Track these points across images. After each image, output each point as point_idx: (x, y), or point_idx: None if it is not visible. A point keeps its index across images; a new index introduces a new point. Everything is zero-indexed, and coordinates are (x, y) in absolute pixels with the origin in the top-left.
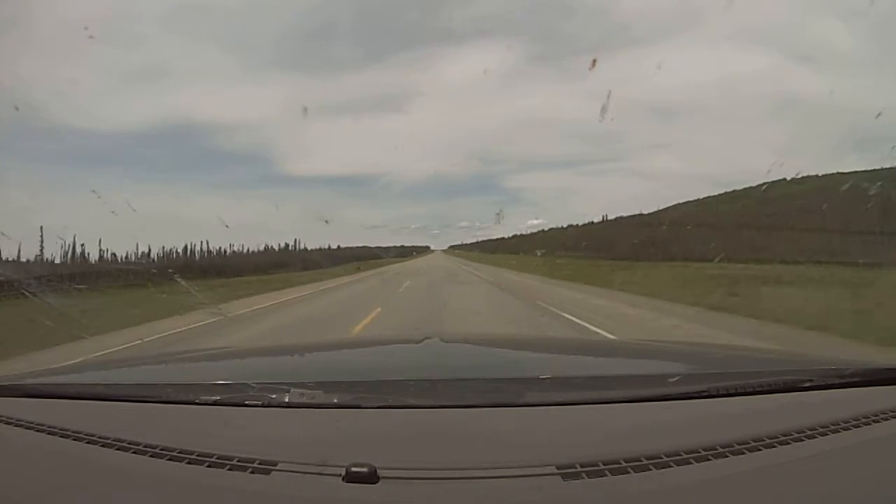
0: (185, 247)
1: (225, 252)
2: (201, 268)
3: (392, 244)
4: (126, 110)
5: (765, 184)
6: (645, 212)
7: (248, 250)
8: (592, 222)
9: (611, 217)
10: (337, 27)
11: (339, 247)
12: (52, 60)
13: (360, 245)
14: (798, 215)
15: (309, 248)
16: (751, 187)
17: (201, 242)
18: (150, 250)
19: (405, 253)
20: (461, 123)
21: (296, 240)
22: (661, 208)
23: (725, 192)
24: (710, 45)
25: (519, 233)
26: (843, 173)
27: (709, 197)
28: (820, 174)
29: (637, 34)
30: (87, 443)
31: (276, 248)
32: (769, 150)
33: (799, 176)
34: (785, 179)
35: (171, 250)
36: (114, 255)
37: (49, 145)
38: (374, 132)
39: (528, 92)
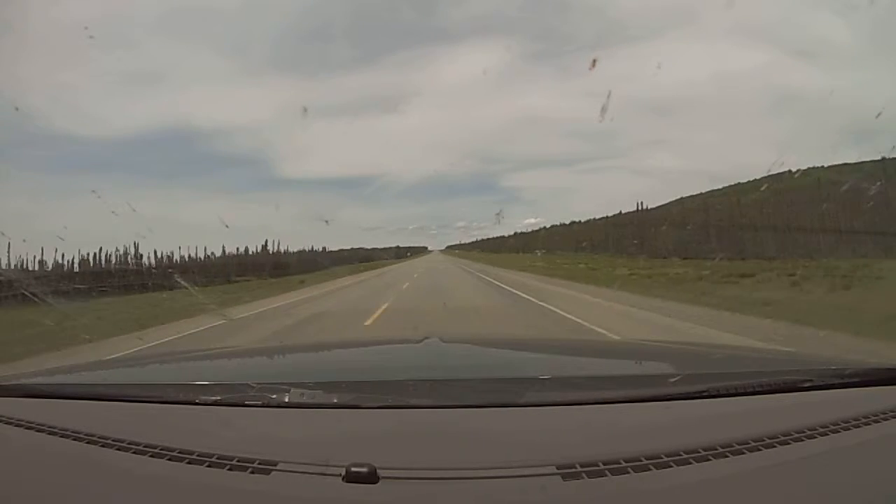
0: (96, 254)
1: (173, 258)
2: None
3: (390, 245)
4: (124, 115)
5: (763, 179)
6: (648, 207)
7: (206, 255)
8: (595, 219)
9: (617, 213)
10: (334, 29)
11: (323, 248)
12: (50, 66)
13: (358, 246)
14: (817, 209)
15: (291, 251)
16: (756, 179)
17: (136, 246)
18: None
19: (400, 254)
20: (459, 123)
21: (267, 241)
22: (663, 203)
23: (729, 186)
24: (708, 41)
25: (518, 231)
26: (859, 163)
27: (714, 190)
28: (826, 165)
29: (635, 31)
30: (87, 443)
31: (250, 251)
32: (767, 146)
33: (803, 168)
34: (789, 171)
35: (85, 256)
36: (98, 258)
37: (46, 151)
38: (372, 133)
39: (525, 91)
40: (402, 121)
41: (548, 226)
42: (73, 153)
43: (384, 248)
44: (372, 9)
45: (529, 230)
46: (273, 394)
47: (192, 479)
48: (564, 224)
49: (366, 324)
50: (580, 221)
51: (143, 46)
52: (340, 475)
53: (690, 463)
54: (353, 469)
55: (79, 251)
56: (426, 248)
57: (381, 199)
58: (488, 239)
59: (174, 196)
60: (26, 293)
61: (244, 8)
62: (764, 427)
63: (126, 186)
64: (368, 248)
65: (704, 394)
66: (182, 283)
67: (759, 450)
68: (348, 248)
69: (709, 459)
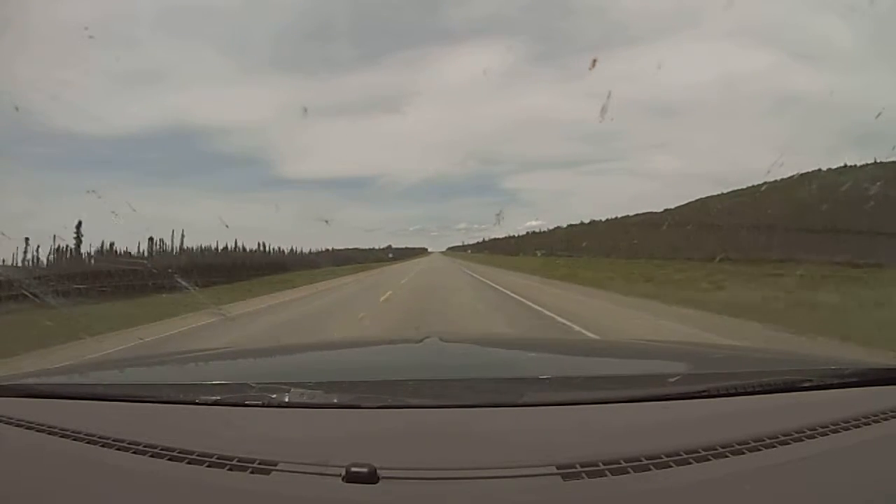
0: None
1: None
2: None
3: (390, 245)
4: (124, 114)
5: (760, 183)
6: (656, 210)
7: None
8: (618, 217)
9: (623, 213)
10: (335, 28)
11: (279, 250)
12: (49, 64)
13: (354, 247)
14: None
15: (265, 250)
16: (779, 180)
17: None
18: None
19: (381, 258)
20: (460, 124)
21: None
22: (679, 204)
23: (750, 187)
24: (710, 43)
25: (530, 231)
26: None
27: (732, 191)
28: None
29: (636, 33)
30: (87, 443)
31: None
32: (770, 148)
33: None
34: (820, 170)
35: None
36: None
37: (46, 149)
38: (373, 133)
39: (527, 92)
40: (403, 121)
41: (564, 225)
42: (73, 151)
43: (370, 249)
44: (373, 8)
45: (545, 230)
46: (273, 394)
47: (192, 479)
48: (583, 223)
49: None
50: (601, 220)
51: (144, 45)
52: (340, 475)
53: (690, 463)
54: (353, 469)
55: (57, 246)
56: (426, 248)
57: (382, 200)
58: (495, 239)
59: (174, 195)
60: (26, 293)
61: (244, 7)
62: (764, 427)
63: (125, 185)
64: (364, 248)
65: (704, 394)
66: (182, 283)
67: (759, 450)
68: (342, 248)
69: (709, 459)
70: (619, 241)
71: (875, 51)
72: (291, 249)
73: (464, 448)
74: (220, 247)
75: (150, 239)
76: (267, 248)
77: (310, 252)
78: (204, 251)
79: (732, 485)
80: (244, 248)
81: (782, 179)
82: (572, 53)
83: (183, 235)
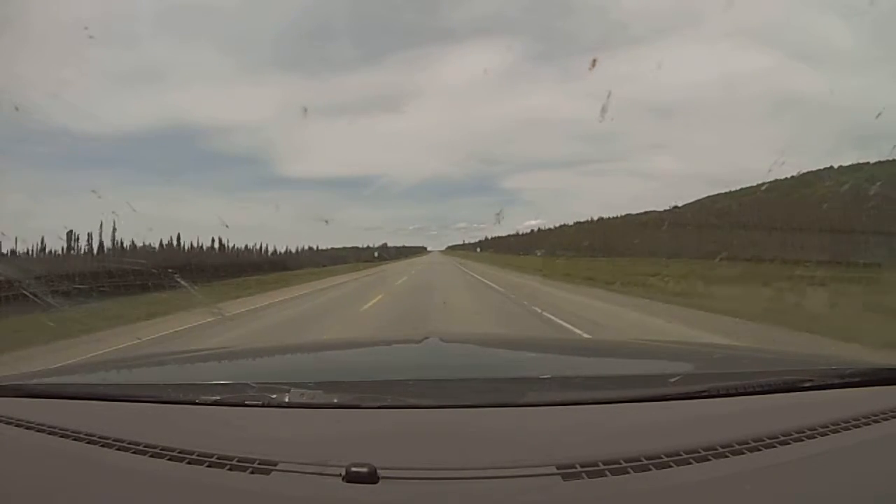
0: None
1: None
2: None
3: (385, 244)
4: (123, 113)
5: (769, 181)
6: (659, 209)
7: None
8: (625, 215)
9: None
10: (334, 27)
11: (250, 248)
12: (49, 63)
13: (352, 246)
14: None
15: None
16: (787, 178)
17: None
18: None
19: (369, 258)
20: (460, 124)
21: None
22: (687, 202)
23: (758, 185)
24: (710, 43)
25: (532, 230)
26: None
27: (741, 189)
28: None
29: (636, 33)
30: (87, 443)
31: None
32: (770, 148)
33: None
34: (832, 167)
35: None
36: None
37: (45, 148)
38: (373, 133)
39: (527, 91)
40: (403, 121)
41: (570, 223)
42: (73, 150)
43: (372, 248)
44: (373, 8)
45: (548, 227)
46: (273, 394)
47: (192, 479)
48: (592, 221)
49: None
50: (607, 218)
51: (143, 44)
52: (340, 475)
53: (690, 463)
54: (353, 469)
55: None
56: (425, 248)
57: (382, 200)
58: (497, 238)
59: (174, 194)
60: (27, 293)
61: (244, 6)
62: (764, 427)
63: (125, 184)
64: (362, 247)
65: (704, 394)
66: (182, 282)
67: (759, 450)
68: (340, 247)
69: (709, 459)
70: (630, 240)
71: (875, 51)
72: (264, 247)
73: (464, 448)
74: (164, 243)
75: (69, 233)
76: (226, 245)
77: (291, 251)
78: (138, 249)
79: (732, 485)
80: (200, 245)
81: (791, 177)
82: (572, 53)
83: (114, 229)
